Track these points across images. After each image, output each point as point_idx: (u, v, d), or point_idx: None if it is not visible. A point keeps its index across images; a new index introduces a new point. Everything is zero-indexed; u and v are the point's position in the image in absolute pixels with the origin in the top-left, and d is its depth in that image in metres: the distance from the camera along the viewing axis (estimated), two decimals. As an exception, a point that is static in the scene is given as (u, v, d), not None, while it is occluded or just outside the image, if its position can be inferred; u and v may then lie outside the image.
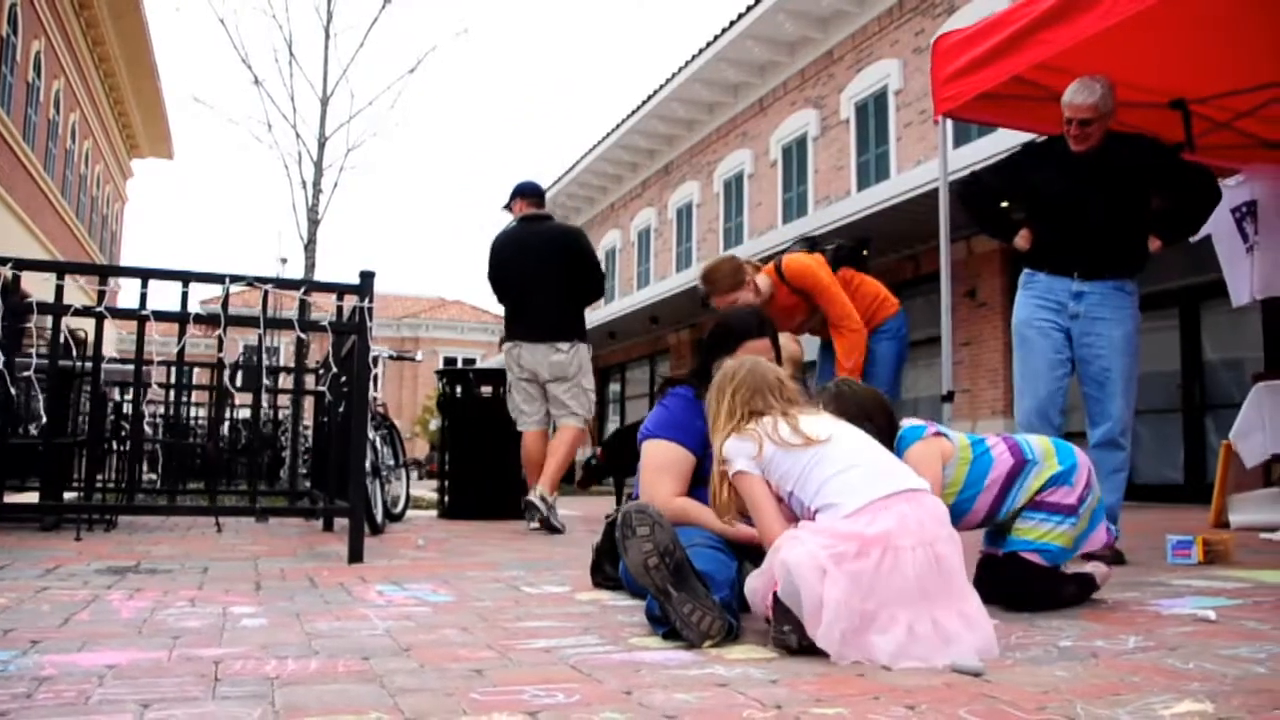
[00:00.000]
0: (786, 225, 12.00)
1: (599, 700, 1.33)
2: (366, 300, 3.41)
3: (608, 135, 17.59)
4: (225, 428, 7.73)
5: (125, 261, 24.13)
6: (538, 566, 3.29)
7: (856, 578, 1.60)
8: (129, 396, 5.30)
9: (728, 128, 15.38)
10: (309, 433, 6.11)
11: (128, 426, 5.52)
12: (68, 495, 4.29)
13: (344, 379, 3.86)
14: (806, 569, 1.60)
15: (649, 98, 15.85)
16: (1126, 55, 3.99)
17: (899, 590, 1.60)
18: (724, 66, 14.17)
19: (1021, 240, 3.67)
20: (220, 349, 3.29)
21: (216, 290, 3.31)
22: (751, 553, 2.01)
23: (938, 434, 2.29)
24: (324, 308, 4.26)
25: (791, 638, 1.62)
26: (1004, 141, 7.21)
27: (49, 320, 3.38)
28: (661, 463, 2.31)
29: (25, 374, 3.25)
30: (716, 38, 13.81)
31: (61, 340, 3.82)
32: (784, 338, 2.70)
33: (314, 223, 7.59)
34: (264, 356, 3.62)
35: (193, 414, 7.55)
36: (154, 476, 6.62)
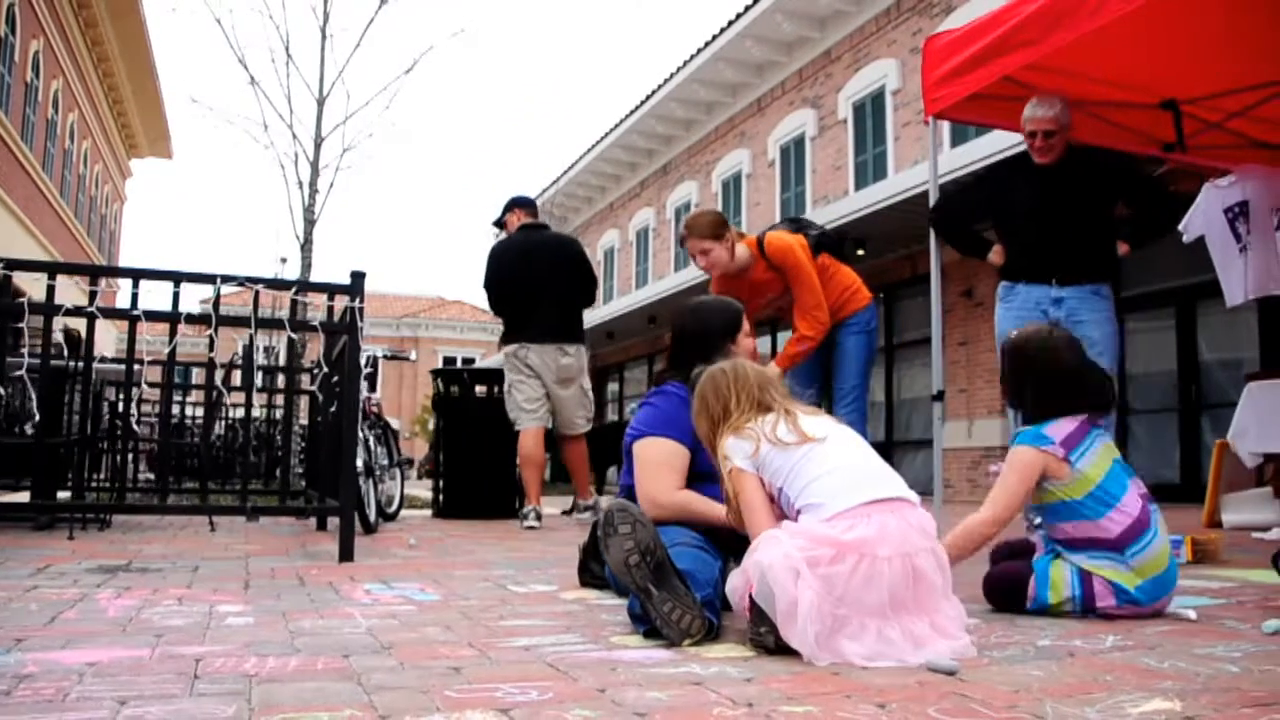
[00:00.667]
0: (784, 225, 12.00)
1: (572, 698, 1.34)
2: (357, 300, 3.42)
3: (606, 135, 17.60)
4: (223, 427, 7.75)
5: (124, 261, 24.16)
6: (528, 566, 3.30)
7: (829, 582, 1.61)
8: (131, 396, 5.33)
9: (726, 128, 15.39)
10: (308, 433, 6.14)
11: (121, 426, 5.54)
12: (62, 494, 4.30)
13: (335, 379, 3.87)
14: (780, 570, 1.61)
15: (647, 98, 15.87)
16: (1117, 55, 4.00)
17: (871, 599, 1.61)
18: (722, 66, 14.18)
19: (995, 256, 3.86)
20: (211, 349, 3.30)
21: (224, 290, 3.32)
22: (738, 551, 2.02)
23: (1053, 451, 2.14)
24: (323, 308, 4.27)
25: (769, 638, 1.63)
26: (1002, 141, 7.22)
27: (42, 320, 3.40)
28: (659, 458, 2.31)
29: (18, 374, 3.25)
30: (715, 38, 13.82)
31: (59, 340, 3.85)
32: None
33: (310, 223, 7.60)
34: (255, 356, 3.63)
35: (191, 413, 7.58)
36: (152, 476, 6.64)
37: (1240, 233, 5.10)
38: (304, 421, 6.12)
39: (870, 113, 12.17)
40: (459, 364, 32.27)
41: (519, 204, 5.46)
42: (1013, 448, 2.21)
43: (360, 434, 4.94)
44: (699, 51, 14.24)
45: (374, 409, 5.38)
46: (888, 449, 11.63)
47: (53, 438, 3.97)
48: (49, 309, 3.17)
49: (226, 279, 3.31)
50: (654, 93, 15.65)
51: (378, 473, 5.18)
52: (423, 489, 10.18)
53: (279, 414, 6.87)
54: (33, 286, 3.70)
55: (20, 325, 3.18)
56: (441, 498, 6.22)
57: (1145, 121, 4.49)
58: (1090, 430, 2.17)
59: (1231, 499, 5.16)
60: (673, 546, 1.99)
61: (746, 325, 2.52)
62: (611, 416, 18.54)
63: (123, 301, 3.40)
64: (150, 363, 3.36)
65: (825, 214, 10.37)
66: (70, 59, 16.14)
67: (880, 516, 1.69)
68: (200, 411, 6.04)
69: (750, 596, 1.66)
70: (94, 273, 3.18)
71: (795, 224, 4.24)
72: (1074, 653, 1.70)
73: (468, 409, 6.19)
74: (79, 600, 2.33)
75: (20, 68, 13.21)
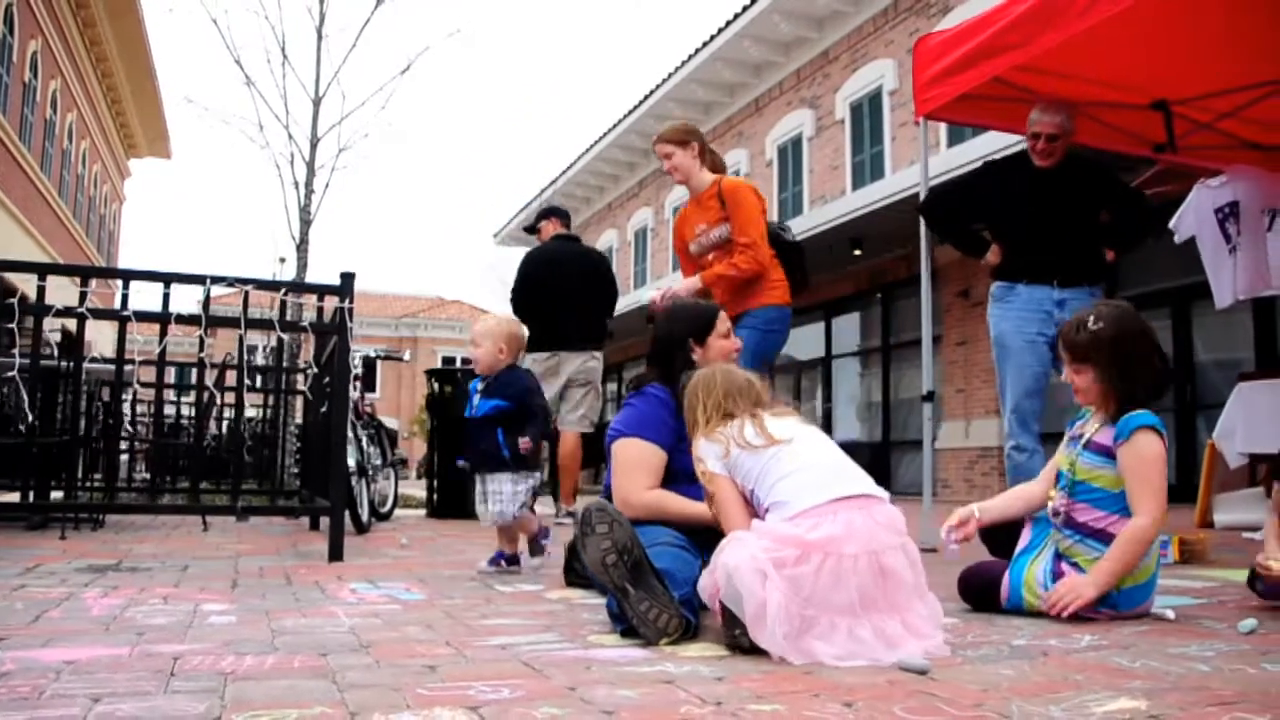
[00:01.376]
0: (781, 225, 12.01)
1: (542, 696, 1.35)
2: (347, 301, 3.44)
3: (605, 135, 17.61)
4: (219, 427, 7.75)
5: (123, 261, 24.16)
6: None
7: (796, 583, 1.62)
8: (123, 395, 5.34)
9: (724, 128, 15.40)
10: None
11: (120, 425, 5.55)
12: (56, 494, 4.31)
13: (327, 379, 3.88)
14: (746, 572, 1.62)
15: (646, 98, 15.87)
16: (1108, 56, 4.01)
17: (839, 598, 1.62)
18: (720, 66, 14.19)
19: (993, 256, 3.85)
20: (201, 349, 3.31)
21: (217, 290, 3.33)
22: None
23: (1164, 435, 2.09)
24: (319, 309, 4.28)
25: (744, 639, 1.64)
26: (1000, 140, 7.23)
27: (47, 321, 3.42)
28: (634, 460, 2.33)
29: (10, 374, 3.26)
30: (713, 38, 13.83)
31: (57, 340, 3.86)
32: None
33: (306, 223, 7.62)
34: (249, 357, 3.64)
35: (188, 414, 7.58)
36: (148, 475, 6.65)
37: (1230, 233, 5.10)
38: (299, 421, 6.14)
39: (868, 113, 12.18)
40: (458, 364, 32.25)
41: (555, 213, 5.75)
42: (1137, 435, 2.07)
43: (354, 434, 4.96)
44: (697, 52, 14.25)
45: (367, 409, 5.39)
46: (885, 449, 11.64)
47: (45, 438, 3.98)
48: (39, 310, 3.19)
49: (216, 280, 3.32)
50: (652, 93, 15.67)
51: (370, 472, 5.20)
52: (419, 489, 10.19)
53: (273, 413, 6.89)
54: (32, 288, 3.70)
55: (10, 326, 3.19)
56: (435, 497, 6.23)
57: (1136, 122, 4.50)
58: None
59: (1223, 499, 5.17)
60: (653, 546, 2.01)
61: (722, 327, 2.51)
62: (610, 416, 18.56)
63: (117, 302, 3.41)
64: (143, 363, 3.37)
65: (823, 214, 10.39)
66: (68, 59, 16.15)
67: (847, 514, 1.70)
68: (208, 412, 6.03)
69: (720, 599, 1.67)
70: (84, 273, 3.19)
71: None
72: (1048, 652, 1.71)
73: (462, 409, 6.18)
74: (65, 599, 2.34)
75: (18, 68, 13.22)
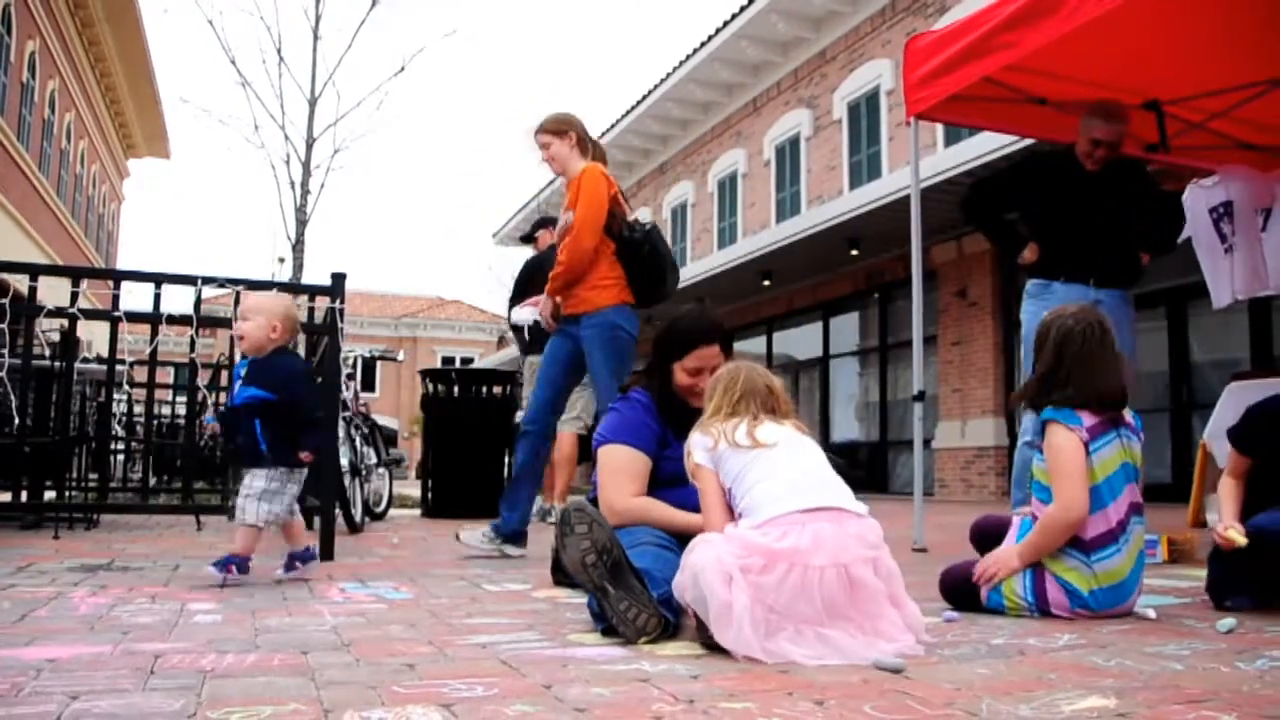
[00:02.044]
0: (780, 225, 12.04)
1: (515, 694, 1.36)
2: (338, 301, 3.45)
3: (603, 135, 17.59)
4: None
5: (122, 261, 24.19)
6: (505, 565, 3.32)
7: (760, 591, 1.63)
8: (119, 395, 5.35)
9: (722, 127, 15.41)
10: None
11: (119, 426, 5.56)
12: (50, 494, 4.32)
13: (318, 379, 3.89)
14: (712, 574, 1.63)
15: (644, 97, 15.88)
16: (1099, 56, 4.02)
17: (804, 609, 1.63)
18: (718, 66, 14.20)
19: (1029, 253, 3.85)
20: (192, 349, 3.33)
21: (214, 291, 3.34)
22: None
23: (1080, 433, 2.13)
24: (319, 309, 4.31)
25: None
26: (999, 139, 7.24)
27: (44, 323, 3.43)
28: (618, 466, 2.34)
29: (1, 374, 3.27)
30: (710, 38, 13.84)
31: (54, 340, 3.86)
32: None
33: (302, 223, 7.63)
34: (235, 356, 3.65)
35: (185, 414, 7.57)
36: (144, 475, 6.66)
37: (1225, 233, 5.11)
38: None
39: (865, 113, 12.19)
40: (458, 364, 32.27)
41: (552, 223, 5.76)
42: (1048, 431, 2.16)
43: (348, 434, 4.97)
44: (695, 52, 14.26)
45: (362, 408, 5.41)
46: (883, 449, 11.65)
47: (38, 438, 3.99)
48: (30, 310, 3.20)
49: (208, 280, 3.33)
50: (650, 92, 15.68)
51: (365, 472, 5.21)
52: (416, 488, 10.20)
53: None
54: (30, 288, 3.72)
55: (2, 326, 3.19)
56: (430, 497, 6.24)
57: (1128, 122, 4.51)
58: (1109, 430, 2.16)
59: (1215, 499, 5.17)
60: (636, 545, 2.02)
61: (691, 362, 2.34)
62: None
63: (126, 304, 3.42)
64: (135, 363, 3.39)
65: (820, 214, 10.39)
66: (67, 59, 16.16)
67: (816, 525, 1.69)
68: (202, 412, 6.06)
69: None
70: (75, 274, 3.20)
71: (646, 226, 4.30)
72: (1025, 651, 1.72)
73: (456, 409, 6.22)
74: (53, 599, 2.35)
75: (16, 68, 13.24)
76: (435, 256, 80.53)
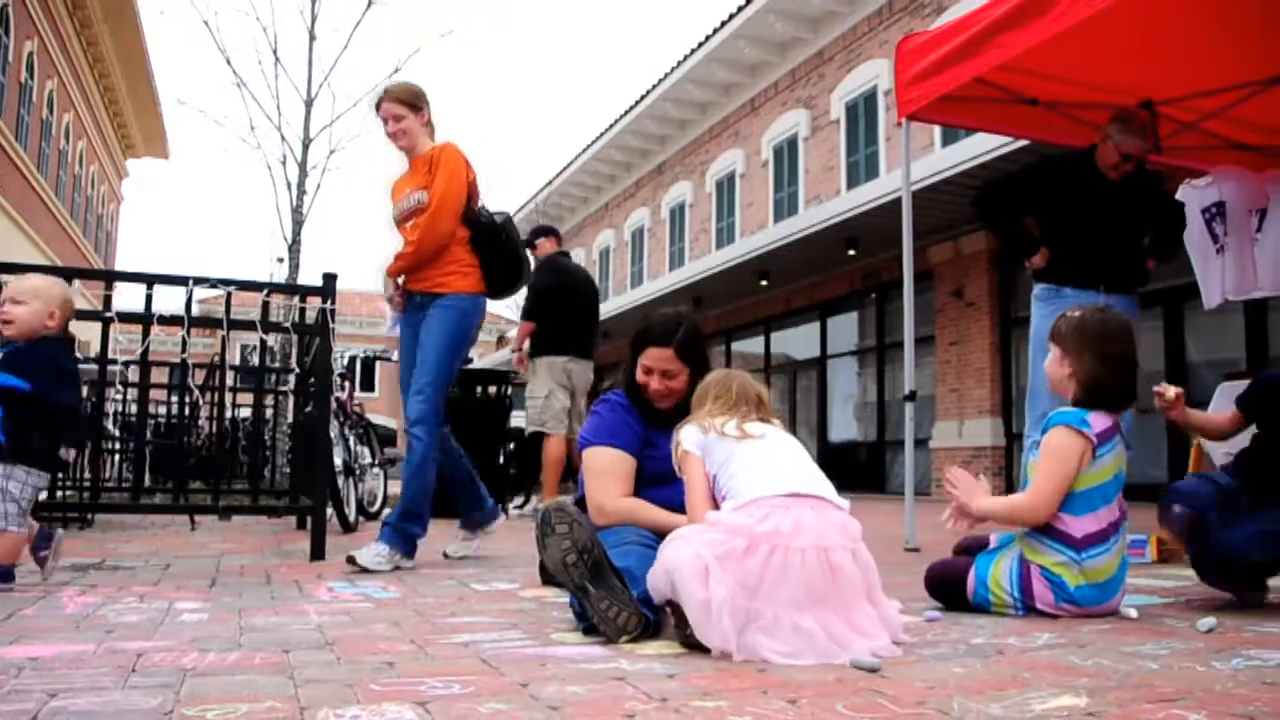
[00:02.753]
0: (778, 225, 12.04)
1: (491, 692, 1.37)
2: (329, 302, 3.46)
3: (601, 135, 17.63)
4: (211, 426, 7.77)
5: (121, 261, 24.20)
6: (495, 564, 3.33)
7: (743, 575, 1.64)
8: (120, 396, 5.34)
9: (720, 128, 15.41)
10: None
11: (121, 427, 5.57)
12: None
13: (310, 379, 3.90)
14: (687, 573, 1.64)
15: (642, 97, 15.89)
16: (1092, 57, 4.03)
17: (785, 592, 1.64)
18: (716, 67, 14.21)
19: (1039, 259, 3.86)
20: (184, 350, 3.33)
21: (213, 291, 3.35)
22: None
23: (1090, 437, 2.13)
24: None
25: (694, 636, 1.66)
26: (995, 140, 7.24)
27: None
28: (603, 467, 2.35)
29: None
30: (708, 38, 13.84)
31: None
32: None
33: (298, 224, 7.64)
34: (226, 356, 3.66)
35: (183, 414, 7.58)
36: (150, 476, 6.66)
37: (1217, 233, 5.11)
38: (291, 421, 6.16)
39: (862, 113, 12.19)
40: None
41: (552, 232, 6.11)
42: (1051, 429, 2.17)
43: (342, 434, 4.98)
44: (693, 52, 14.26)
45: (356, 408, 5.42)
46: (880, 448, 11.66)
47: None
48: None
49: (199, 281, 3.33)
50: (648, 93, 15.68)
51: (359, 472, 5.22)
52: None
53: (268, 413, 6.92)
54: None
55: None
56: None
57: (1120, 123, 4.52)
58: (1115, 435, 2.18)
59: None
60: (622, 545, 2.03)
61: (647, 360, 2.33)
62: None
63: (122, 303, 3.43)
64: (129, 363, 3.39)
65: (818, 214, 10.40)
66: (65, 59, 16.17)
67: (798, 510, 1.72)
68: (197, 412, 6.07)
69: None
70: (66, 275, 3.21)
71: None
72: (1003, 650, 1.73)
73: (451, 409, 6.20)
74: (42, 598, 2.36)
75: (14, 68, 13.24)
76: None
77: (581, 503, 2.39)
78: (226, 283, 3.37)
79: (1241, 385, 4.87)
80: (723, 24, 13.46)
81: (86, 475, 5.18)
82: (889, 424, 11.63)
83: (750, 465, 1.84)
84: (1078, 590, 2.08)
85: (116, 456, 6.22)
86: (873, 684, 1.44)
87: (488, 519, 3.62)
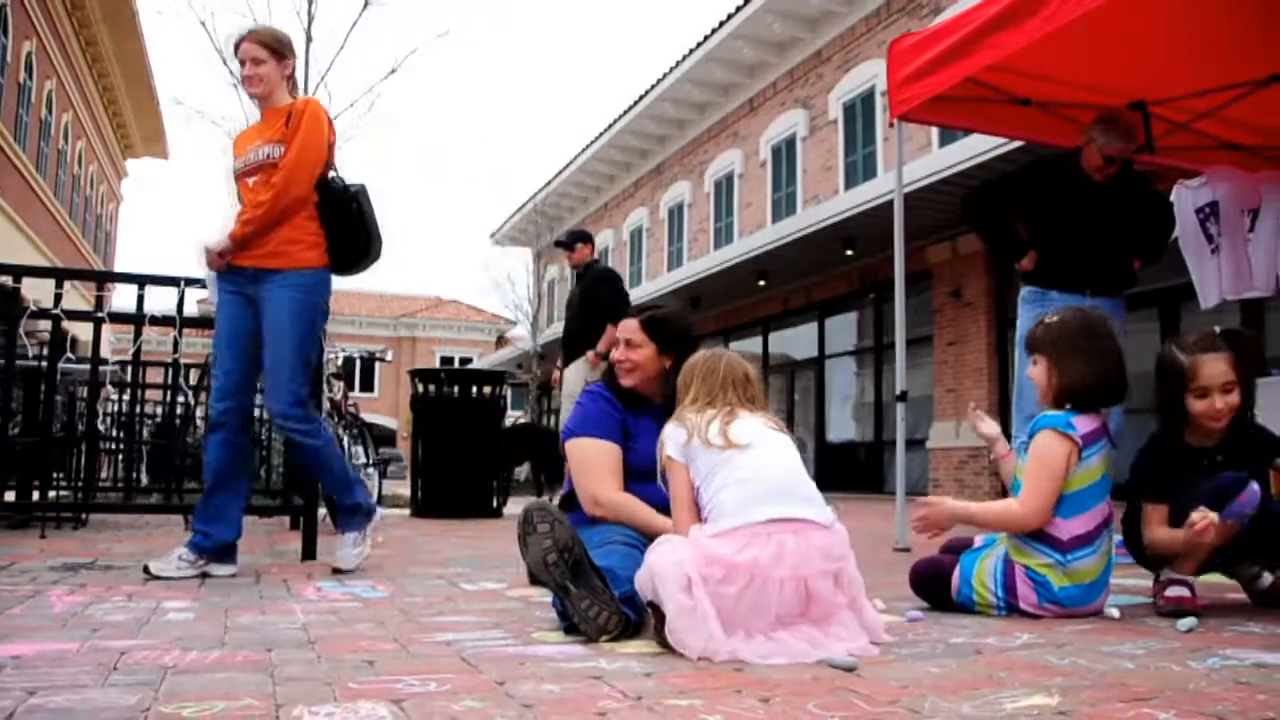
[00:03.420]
0: (776, 225, 12.05)
1: (467, 690, 1.38)
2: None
3: (600, 135, 17.64)
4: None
5: (120, 262, 24.21)
6: (486, 564, 3.34)
7: (719, 600, 1.64)
8: (112, 395, 5.38)
9: (718, 128, 15.42)
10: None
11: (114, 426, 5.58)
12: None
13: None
14: (671, 580, 1.64)
15: (641, 97, 15.90)
16: (1084, 57, 4.03)
17: (759, 621, 1.66)
18: (714, 67, 14.22)
19: (1027, 262, 3.87)
20: (175, 349, 3.34)
21: (206, 291, 3.35)
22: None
23: (1076, 440, 2.13)
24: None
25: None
26: (993, 140, 7.24)
27: (41, 323, 3.45)
28: (595, 460, 2.34)
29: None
30: (706, 38, 13.85)
31: (50, 340, 3.88)
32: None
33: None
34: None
35: (182, 413, 7.61)
36: (148, 475, 6.68)
37: (1212, 233, 5.11)
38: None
39: (860, 113, 12.20)
40: (456, 364, 32.26)
41: (590, 239, 6.30)
42: (1038, 433, 2.16)
43: (334, 433, 4.99)
44: (691, 52, 14.27)
45: (350, 408, 5.43)
46: (878, 448, 11.67)
47: (24, 437, 4.01)
48: (14, 313, 3.22)
49: (191, 282, 3.35)
50: (647, 93, 15.69)
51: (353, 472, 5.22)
52: (408, 488, 10.22)
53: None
54: (33, 290, 3.72)
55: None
56: (420, 496, 6.26)
57: (1113, 123, 4.52)
58: (1101, 438, 2.18)
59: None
60: (606, 544, 2.03)
61: (619, 332, 2.41)
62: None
63: (120, 303, 3.45)
64: (122, 363, 3.41)
65: (816, 214, 10.41)
66: (64, 60, 16.18)
67: (780, 536, 1.70)
68: (200, 412, 6.09)
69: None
70: (59, 275, 3.23)
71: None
72: (981, 650, 1.74)
73: (446, 409, 6.24)
74: (30, 597, 2.37)
75: (13, 68, 13.26)
76: (433, 257, 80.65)
77: (569, 497, 2.38)
78: (218, 283, 3.37)
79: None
80: (721, 24, 13.47)
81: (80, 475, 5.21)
82: (886, 424, 11.64)
83: (733, 485, 1.80)
84: (1062, 591, 2.09)
85: (110, 456, 6.23)
86: (847, 683, 1.45)
87: (222, 554, 3.06)
